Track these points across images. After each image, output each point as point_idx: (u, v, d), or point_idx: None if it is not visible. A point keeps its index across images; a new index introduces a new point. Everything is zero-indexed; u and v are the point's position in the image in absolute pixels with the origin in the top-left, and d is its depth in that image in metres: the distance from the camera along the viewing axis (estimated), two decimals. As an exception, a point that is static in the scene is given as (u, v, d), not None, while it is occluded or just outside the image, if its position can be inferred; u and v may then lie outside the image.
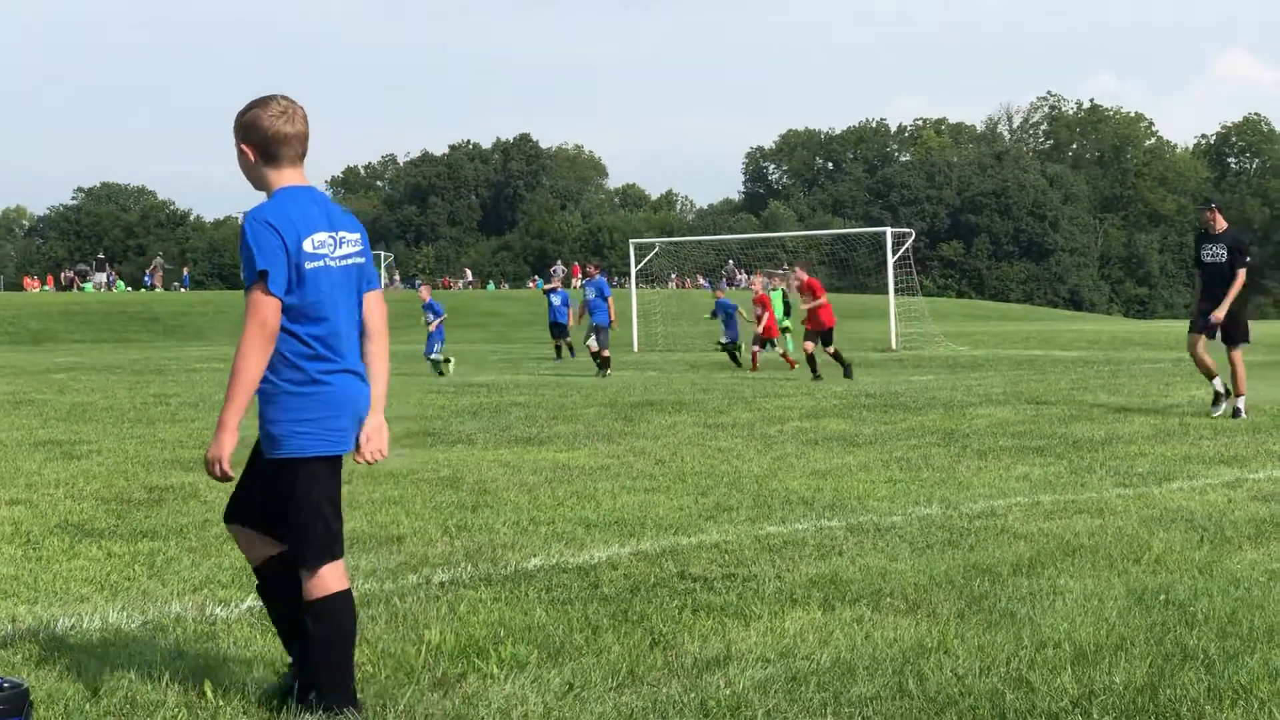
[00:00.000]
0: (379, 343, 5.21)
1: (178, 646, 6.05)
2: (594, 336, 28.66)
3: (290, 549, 5.06)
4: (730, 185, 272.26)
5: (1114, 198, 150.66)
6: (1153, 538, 8.34)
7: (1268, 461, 12.04)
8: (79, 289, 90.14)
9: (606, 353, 28.34)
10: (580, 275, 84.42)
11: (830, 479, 11.21)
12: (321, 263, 4.94)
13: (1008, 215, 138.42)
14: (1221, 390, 16.18)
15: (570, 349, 35.17)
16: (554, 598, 6.93)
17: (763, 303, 29.74)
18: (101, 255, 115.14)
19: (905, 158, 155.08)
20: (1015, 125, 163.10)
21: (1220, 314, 15.89)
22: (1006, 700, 5.11)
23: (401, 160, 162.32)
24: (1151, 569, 7.45)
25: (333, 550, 5.01)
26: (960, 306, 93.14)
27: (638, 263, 46.37)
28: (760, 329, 29.84)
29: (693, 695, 5.23)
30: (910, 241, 45.16)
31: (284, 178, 5.04)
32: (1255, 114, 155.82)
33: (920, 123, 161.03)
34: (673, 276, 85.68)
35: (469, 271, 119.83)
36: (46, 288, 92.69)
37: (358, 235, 5.14)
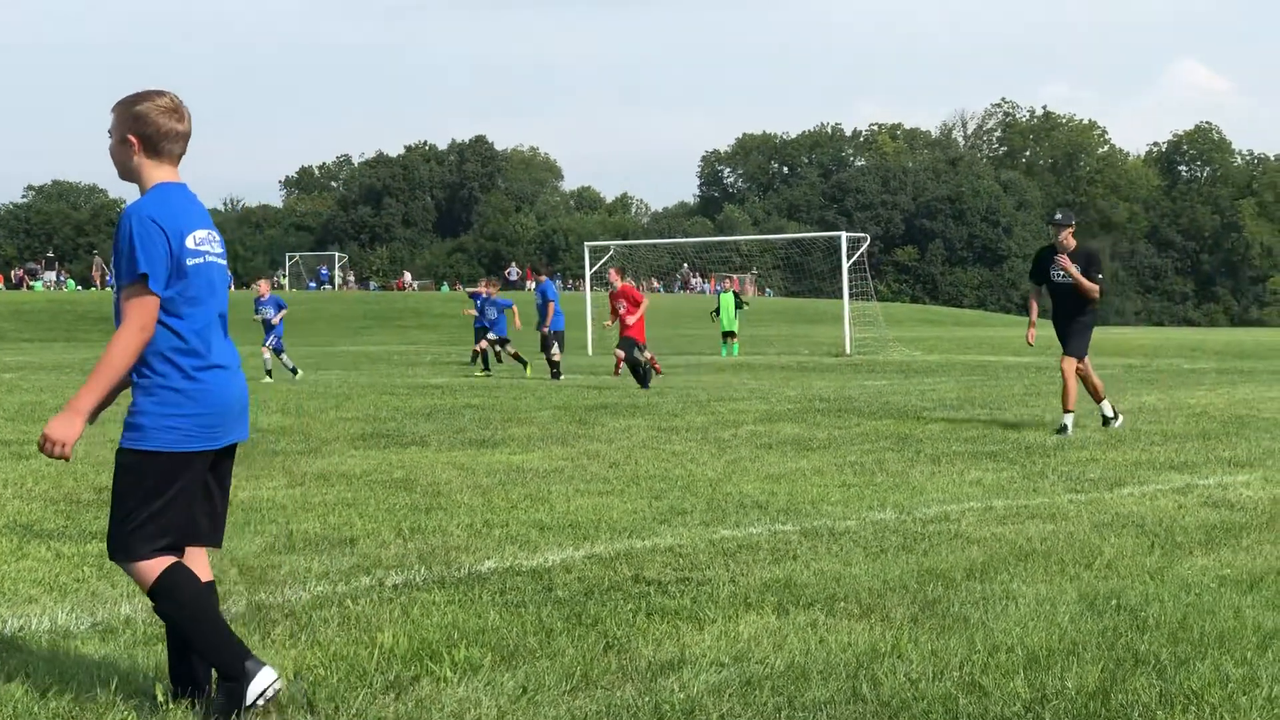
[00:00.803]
0: None
1: (127, 649, 6.00)
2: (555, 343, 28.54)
3: (115, 538, 5.05)
4: (685, 188, 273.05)
5: (1067, 204, 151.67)
6: (1104, 543, 8.39)
7: (1218, 468, 12.13)
8: (28, 288, 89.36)
9: (545, 355, 28.50)
10: (533, 278, 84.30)
11: (784, 483, 11.23)
12: (203, 259, 5.00)
13: (962, 221, 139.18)
14: (1110, 414, 15.83)
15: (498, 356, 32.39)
16: (508, 601, 6.91)
17: (628, 297, 25.85)
18: (51, 254, 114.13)
19: (860, 162, 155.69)
20: (970, 131, 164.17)
21: (1074, 270, 15.39)
22: (960, 705, 5.12)
23: (356, 160, 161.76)
24: (1103, 574, 7.49)
25: (152, 549, 4.96)
26: (914, 311, 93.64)
27: (592, 265, 46.35)
28: (615, 324, 27.07)
29: (647, 699, 5.21)
30: (865, 246, 45.34)
31: (162, 173, 5.05)
32: (1207, 122, 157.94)
33: (876, 128, 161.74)
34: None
35: (407, 275, 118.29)
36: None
37: (219, 238, 5.22)
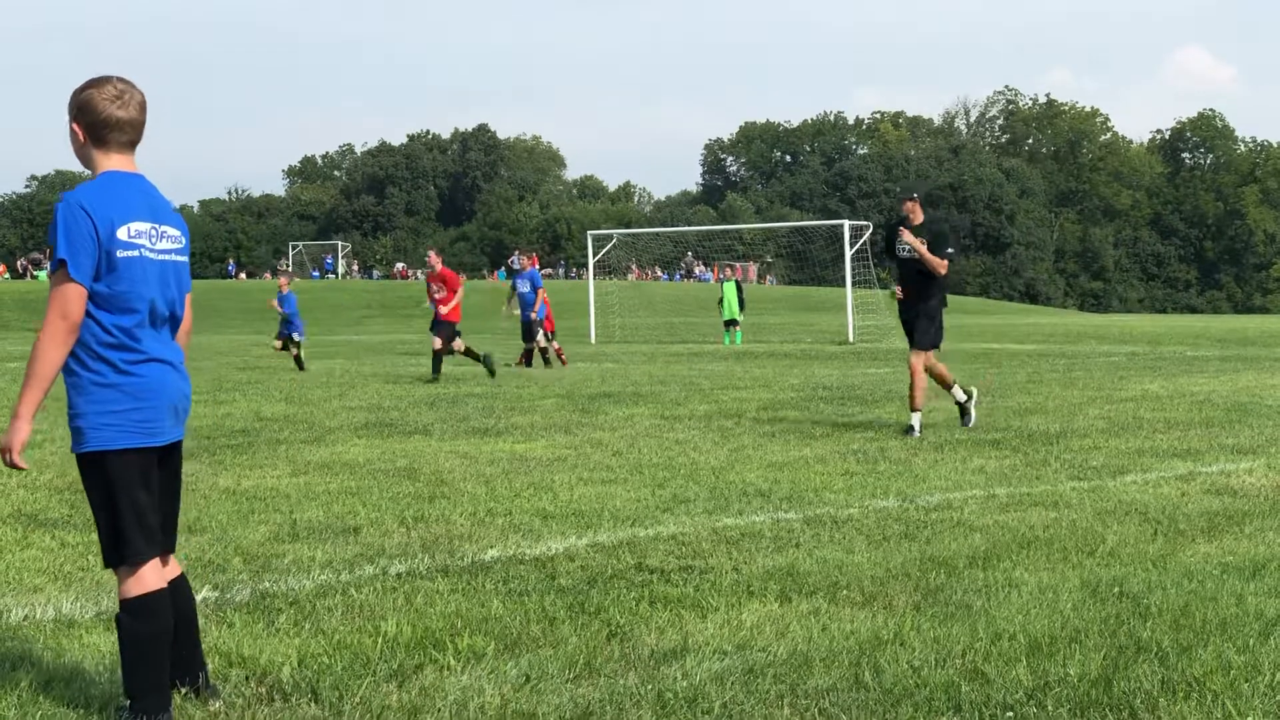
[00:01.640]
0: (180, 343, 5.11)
1: (132, 638, 6.00)
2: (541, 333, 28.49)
3: (102, 546, 4.90)
4: (688, 177, 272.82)
5: (1069, 192, 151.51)
6: (1107, 531, 8.39)
7: (1220, 455, 12.13)
8: (32, 277, 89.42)
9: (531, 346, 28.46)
10: (539, 266, 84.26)
11: (787, 471, 11.23)
12: (137, 252, 4.80)
13: (964, 209, 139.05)
14: (962, 398, 14.69)
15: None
16: (511, 589, 6.92)
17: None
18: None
19: (863, 151, 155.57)
20: (972, 119, 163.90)
21: (918, 243, 14.13)
22: (962, 692, 5.13)
23: (359, 150, 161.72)
24: (1105, 562, 7.49)
25: (143, 549, 4.85)
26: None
27: (595, 254, 46.34)
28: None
29: (649, 687, 5.22)
30: (868, 234, 45.29)
31: (111, 162, 4.89)
32: (1210, 109, 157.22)
33: (878, 116, 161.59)
34: (632, 268, 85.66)
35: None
36: (1, 275, 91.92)
37: (180, 233, 5.02)
